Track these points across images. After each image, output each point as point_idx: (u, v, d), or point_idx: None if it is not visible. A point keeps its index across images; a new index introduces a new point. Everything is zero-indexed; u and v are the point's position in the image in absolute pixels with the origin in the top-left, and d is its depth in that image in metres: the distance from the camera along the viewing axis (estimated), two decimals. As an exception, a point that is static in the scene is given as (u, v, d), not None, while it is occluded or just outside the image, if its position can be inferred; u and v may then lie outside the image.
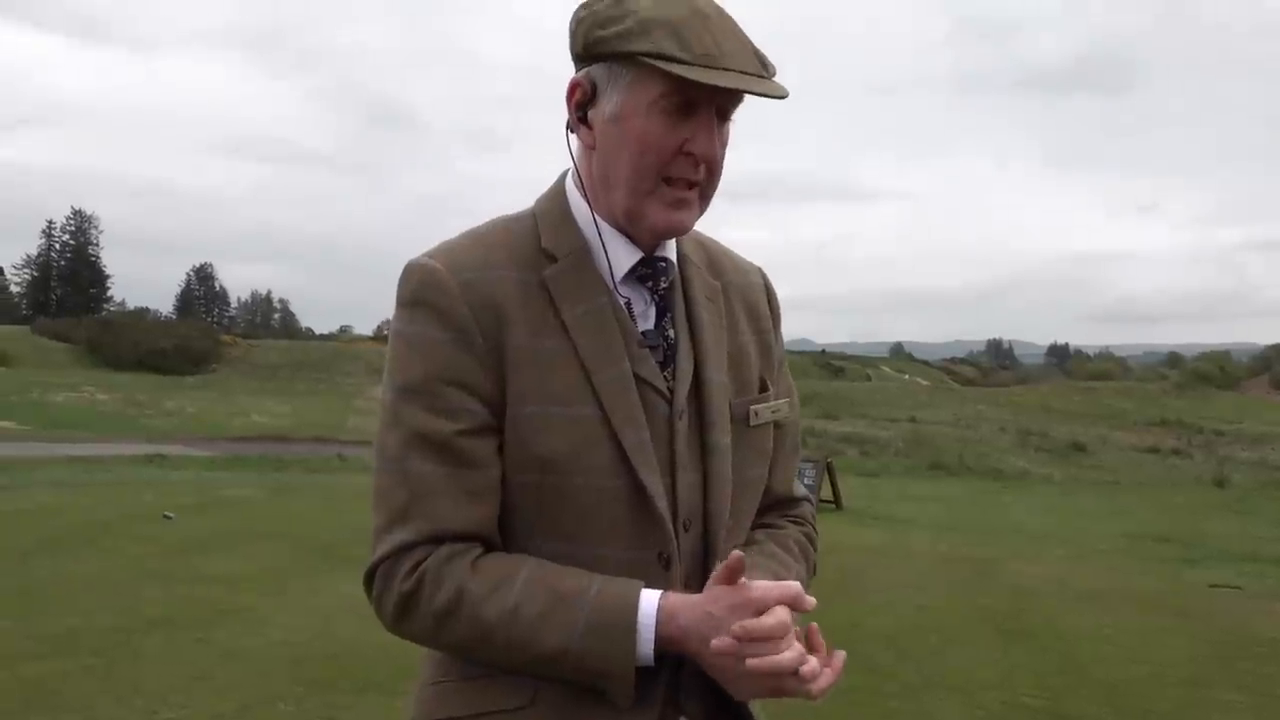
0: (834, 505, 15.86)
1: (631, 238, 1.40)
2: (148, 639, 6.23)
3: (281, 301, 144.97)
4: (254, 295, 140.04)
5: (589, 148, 1.39)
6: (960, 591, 8.91)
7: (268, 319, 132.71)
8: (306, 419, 33.36)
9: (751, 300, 1.56)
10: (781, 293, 1.63)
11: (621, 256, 1.40)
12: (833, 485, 16.13)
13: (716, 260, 1.54)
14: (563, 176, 1.46)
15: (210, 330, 67.74)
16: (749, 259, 1.63)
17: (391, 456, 1.33)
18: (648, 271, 1.42)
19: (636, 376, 1.37)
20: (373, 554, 1.33)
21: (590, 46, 1.34)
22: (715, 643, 1.23)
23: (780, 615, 1.25)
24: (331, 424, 32.17)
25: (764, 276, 1.62)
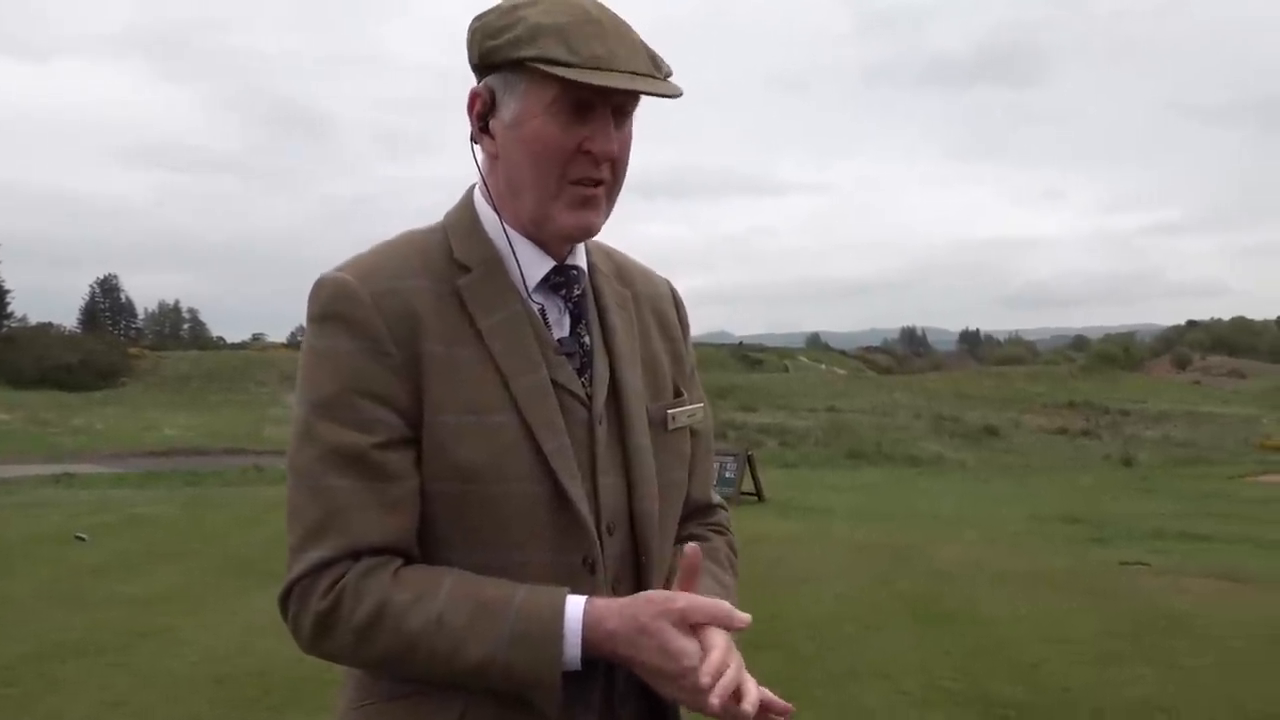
0: (756, 497, 16.00)
1: (542, 245, 1.41)
2: (63, 666, 6.07)
3: (190, 311, 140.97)
4: (161, 306, 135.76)
5: (493, 157, 1.40)
6: (880, 578, 9.07)
7: (177, 329, 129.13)
8: (220, 431, 32.64)
9: (661, 310, 1.58)
10: (698, 286, 1.66)
11: (533, 265, 1.41)
12: (754, 477, 16.27)
13: (625, 270, 1.56)
14: (470, 189, 1.46)
15: (117, 343, 65.85)
16: (657, 270, 1.65)
17: (306, 473, 1.32)
18: (560, 280, 1.43)
19: (554, 383, 1.37)
20: (288, 574, 1.31)
21: (484, 56, 1.36)
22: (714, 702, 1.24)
23: (721, 643, 1.27)
24: (246, 434, 31.53)
25: (671, 288, 1.64)
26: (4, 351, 51.20)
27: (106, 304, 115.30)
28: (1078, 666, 6.26)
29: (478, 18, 1.39)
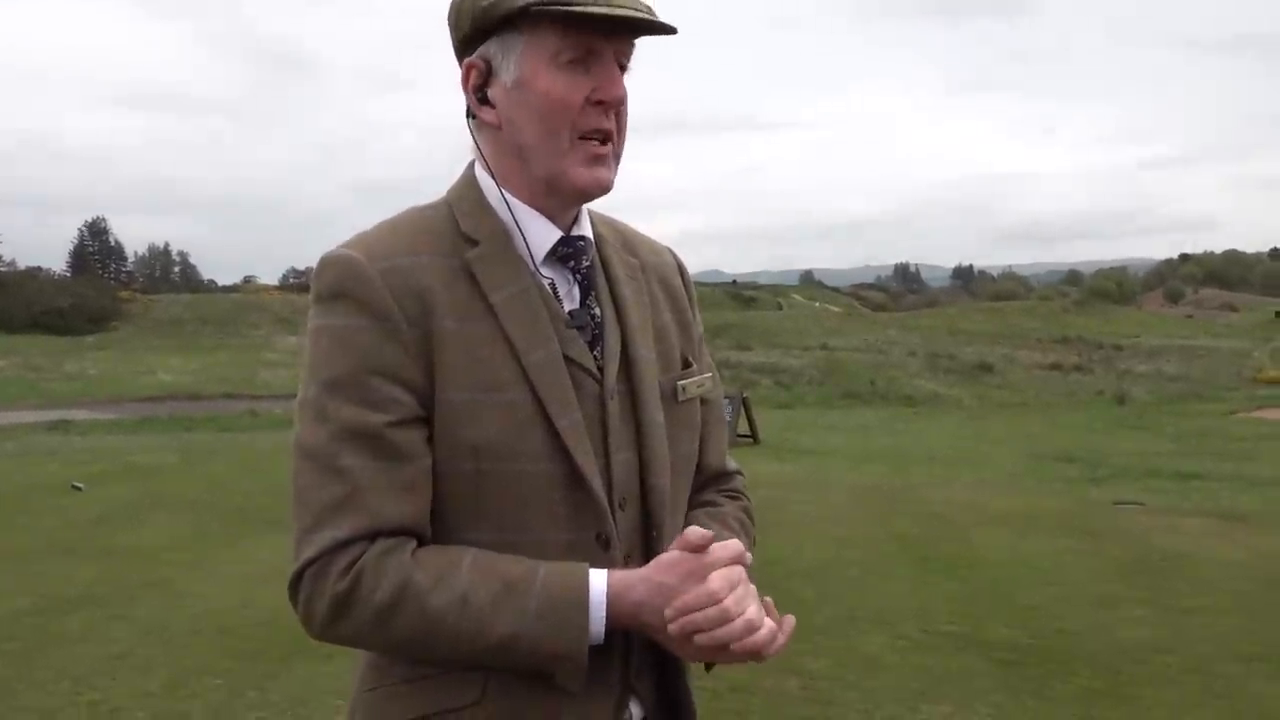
0: (751, 440, 16.06)
1: (549, 215, 1.39)
2: (66, 619, 6.09)
3: (181, 254, 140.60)
4: (151, 249, 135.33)
5: (495, 127, 1.37)
6: (878, 521, 9.12)
7: (168, 273, 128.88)
8: (215, 375, 32.67)
9: (667, 279, 1.56)
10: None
11: (540, 235, 1.39)
12: (749, 419, 16.33)
13: (630, 241, 1.55)
14: (470, 165, 1.44)
15: (107, 287, 65.60)
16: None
17: (318, 453, 1.29)
18: (568, 251, 1.41)
19: (566, 358, 1.36)
20: (297, 557, 1.29)
21: (479, 19, 1.33)
22: (672, 628, 1.25)
23: (725, 577, 1.27)
24: (241, 379, 31.59)
25: (675, 256, 1.63)
26: (-6, 297, 50.99)
27: (95, 247, 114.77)
28: (1075, 608, 6.31)
29: None
